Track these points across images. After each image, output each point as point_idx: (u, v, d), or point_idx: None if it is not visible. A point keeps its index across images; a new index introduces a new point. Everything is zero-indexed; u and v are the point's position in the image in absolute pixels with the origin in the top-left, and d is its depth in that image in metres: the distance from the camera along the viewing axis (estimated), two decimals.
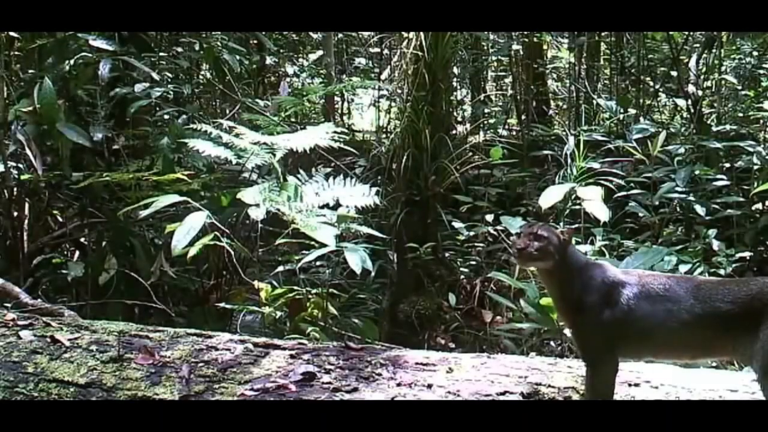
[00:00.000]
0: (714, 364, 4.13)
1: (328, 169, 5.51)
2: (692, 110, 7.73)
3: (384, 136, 8.33)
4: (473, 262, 6.43)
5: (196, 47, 7.00)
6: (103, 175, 5.22)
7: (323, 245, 4.08)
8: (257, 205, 4.31)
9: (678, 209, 6.17)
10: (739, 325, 2.45)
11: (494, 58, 10.44)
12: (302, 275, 4.81)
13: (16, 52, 5.86)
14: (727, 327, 2.48)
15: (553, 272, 2.66)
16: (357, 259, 4.01)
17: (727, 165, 6.70)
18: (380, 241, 5.62)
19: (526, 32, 9.01)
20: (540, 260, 2.65)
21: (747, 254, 5.58)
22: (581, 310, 2.60)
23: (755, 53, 8.45)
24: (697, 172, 6.08)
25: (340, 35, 11.12)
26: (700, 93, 7.92)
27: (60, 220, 6.07)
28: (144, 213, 4.59)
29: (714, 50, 7.95)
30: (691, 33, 8.65)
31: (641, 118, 7.89)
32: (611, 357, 2.59)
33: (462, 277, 6.37)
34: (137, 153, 6.10)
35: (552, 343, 4.94)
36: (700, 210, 5.85)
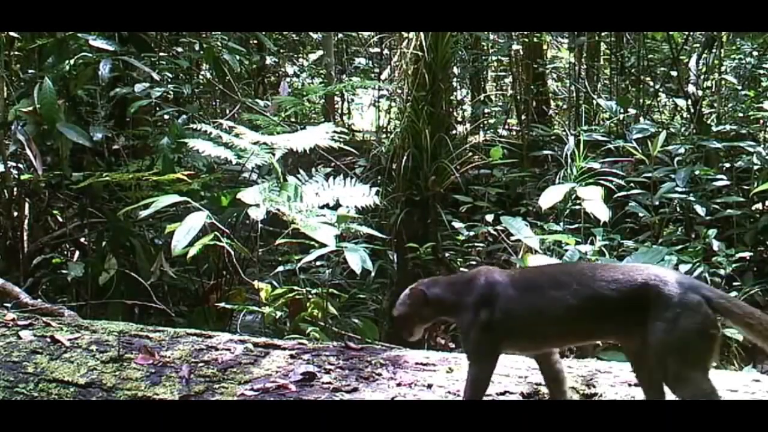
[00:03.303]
0: (714, 364, 4.13)
1: (328, 169, 5.50)
2: (692, 110, 7.73)
3: (384, 136, 8.34)
4: (473, 262, 6.42)
5: (196, 47, 7.00)
6: (103, 175, 5.21)
7: (323, 245, 4.08)
8: (257, 205, 4.31)
9: (678, 209, 6.17)
10: (627, 313, 2.49)
11: (494, 58, 10.44)
12: (302, 275, 4.81)
13: (16, 52, 5.86)
14: (612, 312, 2.51)
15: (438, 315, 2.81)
16: (357, 259, 4.01)
17: (727, 165, 6.70)
18: (380, 241, 5.62)
19: (526, 32, 9.01)
20: (417, 326, 2.78)
21: (747, 254, 5.58)
22: (464, 314, 2.66)
23: (755, 53, 8.44)
24: (697, 172, 6.07)
25: (340, 35, 11.12)
26: (700, 93, 7.91)
27: (60, 220, 6.07)
28: (144, 213, 4.59)
29: (714, 50, 7.95)
30: (691, 33, 8.65)
31: (641, 118, 7.89)
32: (492, 357, 2.65)
33: None
34: (137, 153, 6.11)
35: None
36: (700, 210, 5.84)
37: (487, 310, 2.60)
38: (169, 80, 6.47)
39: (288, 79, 9.68)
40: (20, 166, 5.81)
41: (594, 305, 2.52)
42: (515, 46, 9.42)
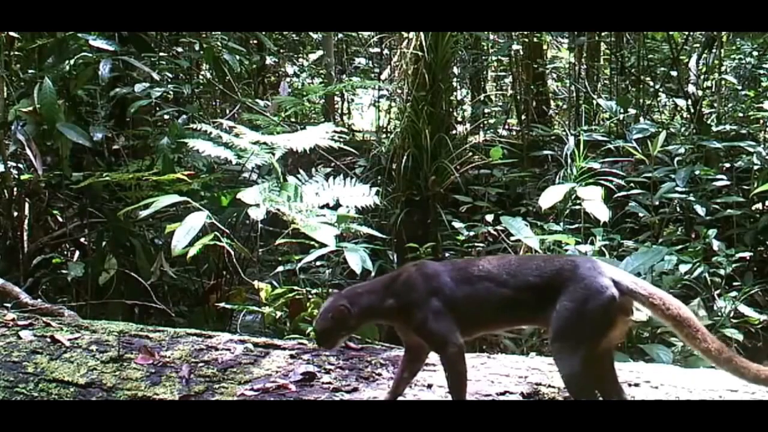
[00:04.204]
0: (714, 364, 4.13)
1: (328, 169, 5.50)
2: (692, 110, 7.73)
3: (384, 136, 8.34)
4: None
5: (196, 47, 7.01)
6: (103, 175, 5.22)
7: (323, 245, 4.08)
8: (257, 205, 4.31)
9: (678, 209, 6.17)
10: (546, 296, 2.60)
11: (494, 58, 10.44)
12: (302, 275, 4.80)
13: (16, 52, 5.85)
14: (535, 297, 2.62)
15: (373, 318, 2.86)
16: (357, 259, 4.01)
17: (727, 165, 6.70)
18: (380, 241, 5.62)
19: (526, 32, 9.01)
20: (341, 338, 2.82)
21: (747, 254, 5.57)
22: (414, 311, 2.70)
23: (755, 53, 8.44)
24: (697, 172, 6.07)
25: (340, 35, 11.13)
26: (700, 93, 7.91)
27: (60, 220, 6.06)
28: (144, 213, 4.59)
29: (714, 50, 7.95)
30: (691, 33, 8.65)
31: (641, 118, 7.89)
32: (456, 337, 2.69)
33: None
34: (137, 153, 6.11)
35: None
36: (700, 210, 5.84)
37: (436, 298, 2.68)
38: (169, 80, 6.47)
39: (288, 79, 9.69)
40: (20, 166, 5.81)
41: (520, 292, 2.64)
42: (515, 46, 9.42)
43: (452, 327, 2.67)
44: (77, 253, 6.07)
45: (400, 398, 2.86)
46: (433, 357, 3.17)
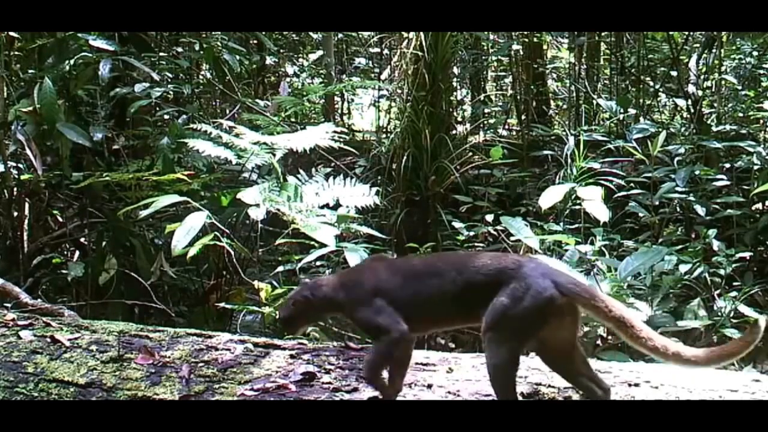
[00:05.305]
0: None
1: (328, 169, 5.50)
2: (692, 110, 7.73)
3: (384, 136, 8.35)
4: None
5: (196, 47, 7.01)
6: (103, 175, 5.22)
7: (323, 245, 4.08)
8: (257, 205, 4.31)
9: (678, 209, 6.17)
10: (489, 294, 2.63)
11: (494, 58, 10.44)
12: (302, 275, 4.81)
13: (16, 52, 5.85)
14: (481, 296, 2.65)
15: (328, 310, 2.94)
16: (357, 259, 4.01)
17: (727, 165, 6.70)
18: (380, 241, 5.62)
19: (526, 32, 9.01)
20: (304, 326, 3.01)
21: (747, 254, 5.57)
22: (358, 307, 2.77)
23: (755, 53, 8.44)
24: (697, 172, 6.07)
25: (340, 35, 11.13)
26: (700, 93, 7.91)
27: (60, 220, 6.06)
28: (144, 213, 4.59)
29: (714, 50, 7.95)
30: (691, 33, 8.65)
31: (641, 118, 7.89)
32: (397, 325, 2.72)
33: None
34: (137, 153, 6.11)
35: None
36: (700, 210, 5.84)
37: (380, 296, 2.73)
38: (169, 80, 6.47)
39: (288, 79, 9.68)
40: (20, 166, 5.81)
41: (465, 288, 2.67)
42: (515, 46, 9.42)
43: (394, 318, 2.72)
44: (77, 253, 6.07)
45: (399, 398, 2.86)
46: (433, 357, 3.17)
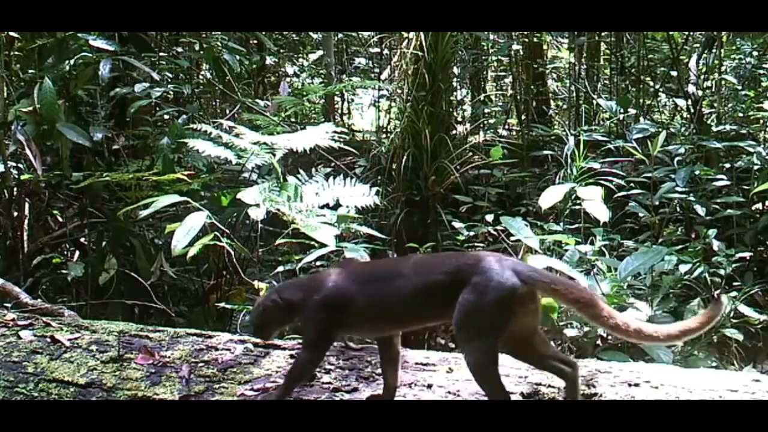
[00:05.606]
0: (714, 364, 4.13)
1: (328, 169, 5.50)
2: (692, 110, 7.73)
3: (384, 136, 8.34)
4: None
5: (196, 47, 7.01)
6: (103, 175, 5.21)
7: (323, 245, 4.08)
8: (257, 205, 4.31)
9: (678, 209, 6.17)
10: (451, 292, 2.64)
11: (494, 58, 10.44)
12: (302, 275, 4.80)
13: (16, 52, 5.85)
14: (443, 294, 2.66)
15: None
16: (357, 259, 4.00)
17: (727, 165, 6.70)
18: (380, 241, 5.61)
19: (526, 32, 9.01)
20: (275, 329, 2.96)
21: (747, 254, 5.57)
22: (307, 312, 2.82)
23: (755, 53, 8.44)
24: (697, 172, 6.07)
25: (340, 35, 11.13)
26: (700, 93, 7.91)
27: (60, 220, 6.06)
28: (144, 213, 4.59)
29: (714, 50, 7.95)
30: (691, 33, 8.65)
31: (641, 118, 7.89)
32: (326, 347, 2.86)
33: None
34: (137, 153, 6.11)
35: (551, 343, 4.93)
36: (700, 210, 5.84)
37: (327, 308, 2.77)
38: (169, 80, 6.47)
39: (288, 79, 9.68)
40: (20, 166, 5.80)
41: (428, 288, 2.69)
42: (515, 46, 9.42)
43: (325, 339, 2.82)
44: (77, 253, 6.07)
45: (399, 398, 2.86)
46: (433, 357, 3.17)
